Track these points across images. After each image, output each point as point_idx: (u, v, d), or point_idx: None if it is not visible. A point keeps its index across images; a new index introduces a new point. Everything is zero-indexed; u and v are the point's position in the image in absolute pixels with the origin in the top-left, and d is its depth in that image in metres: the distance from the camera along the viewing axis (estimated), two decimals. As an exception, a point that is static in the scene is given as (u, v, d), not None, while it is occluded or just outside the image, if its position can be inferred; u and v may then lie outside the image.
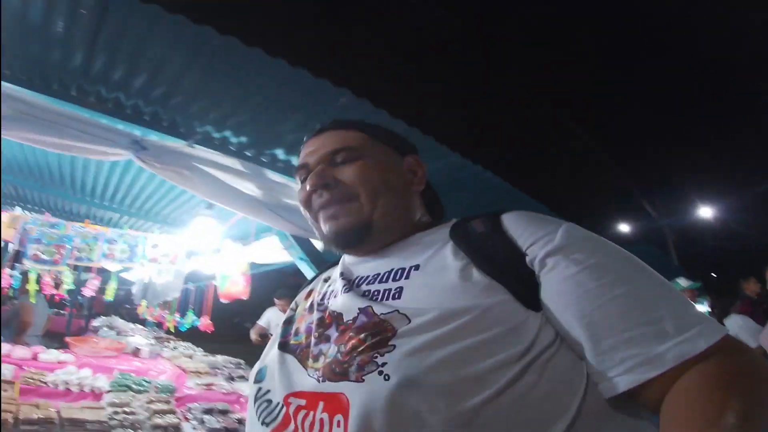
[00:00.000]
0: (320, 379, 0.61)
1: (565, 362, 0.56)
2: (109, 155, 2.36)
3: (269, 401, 0.67)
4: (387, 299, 0.67)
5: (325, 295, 0.79)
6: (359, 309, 0.66)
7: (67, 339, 3.79)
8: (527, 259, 0.63)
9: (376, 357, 0.57)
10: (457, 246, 0.70)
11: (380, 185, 0.78)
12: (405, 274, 0.70)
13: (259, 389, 0.70)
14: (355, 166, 0.78)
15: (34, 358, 3.20)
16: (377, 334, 0.59)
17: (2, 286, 3.59)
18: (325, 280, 0.86)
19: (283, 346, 0.75)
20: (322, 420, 0.56)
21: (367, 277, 0.76)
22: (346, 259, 0.86)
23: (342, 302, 0.71)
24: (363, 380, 0.56)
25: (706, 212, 8.77)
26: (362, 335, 0.60)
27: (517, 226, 0.68)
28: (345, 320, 0.67)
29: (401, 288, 0.67)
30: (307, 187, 0.79)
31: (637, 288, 0.57)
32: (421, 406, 0.52)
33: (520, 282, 0.61)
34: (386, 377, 0.54)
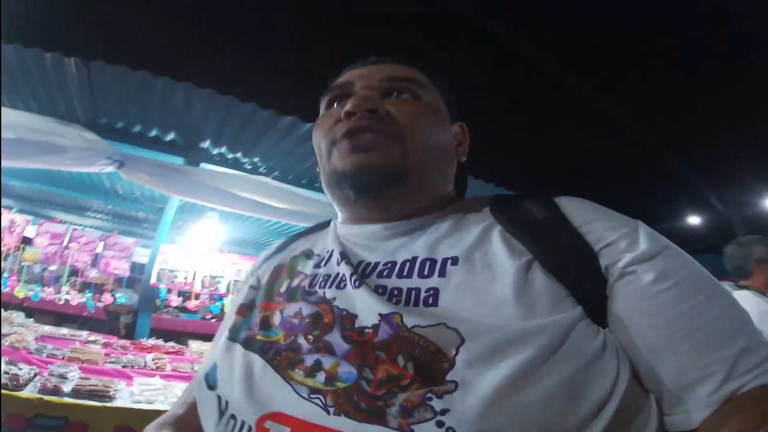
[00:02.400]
0: (329, 409, 0.42)
1: (641, 398, 0.43)
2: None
3: (233, 418, 0.47)
4: (416, 305, 0.47)
5: (314, 279, 0.58)
6: (381, 315, 0.46)
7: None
8: (602, 262, 0.48)
9: (431, 399, 0.39)
10: (510, 233, 0.52)
11: (432, 137, 0.60)
12: (438, 269, 0.51)
13: (219, 399, 0.50)
14: (414, 104, 0.60)
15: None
16: (423, 362, 0.41)
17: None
18: (307, 256, 0.64)
19: (247, 343, 0.53)
20: None
21: (376, 265, 0.55)
22: (342, 231, 0.64)
23: (355, 300, 0.50)
24: (411, 431, 0.38)
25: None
26: (399, 359, 0.42)
27: (584, 217, 0.52)
28: (357, 326, 0.47)
29: (435, 291, 0.48)
30: (347, 107, 0.57)
31: (723, 311, 0.44)
32: None
33: (594, 291, 0.46)
34: None
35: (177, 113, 2.78)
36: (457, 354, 0.41)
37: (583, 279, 0.47)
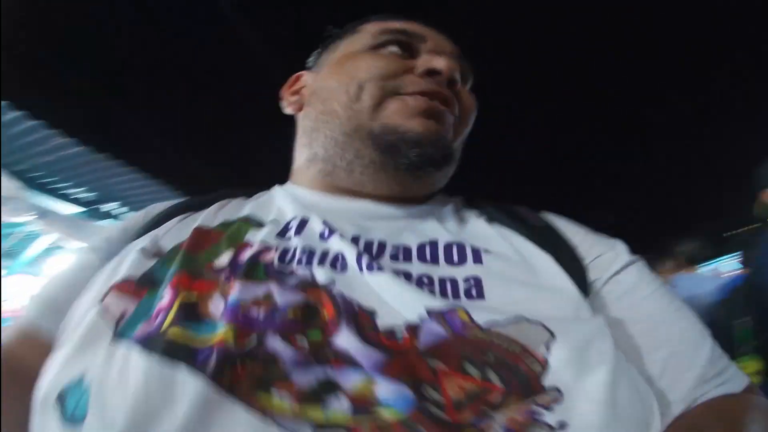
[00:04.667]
0: None
1: None
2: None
3: None
4: (456, 296, 0.39)
5: (286, 252, 0.42)
6: (429, 312, 0.35)
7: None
8: (591, 276, 0.46)
9: (539, 414, 0.30)
10: (518, 233, 0.48)
11: (465, 135, 0.57)
12: (471, 255, 0.43)
13: None
14: (471, 98, 0.56)
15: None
16: (507, 367, 0.32)
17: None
18: (254, 224, 0.48)
19: (151, 344, 0.31)
20: None
21: (382, 245, 0.44)
22: (316, 200, 0.52)
23: (370, 288, 0.38)
24: None
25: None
26: (468, 368, 0.32)
27: (573, 230, 0.51)
28: (382, 326, 0.35)
29: (477, 281, 0.40)
30: (438, 63, 0.49)
31: (691, 320, 0.45)
32: None
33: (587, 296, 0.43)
34: None
35: (95, 179, 3.60)
36: (548, 353, 0.33)
37: (583, 284, 0.44)
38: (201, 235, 0.45)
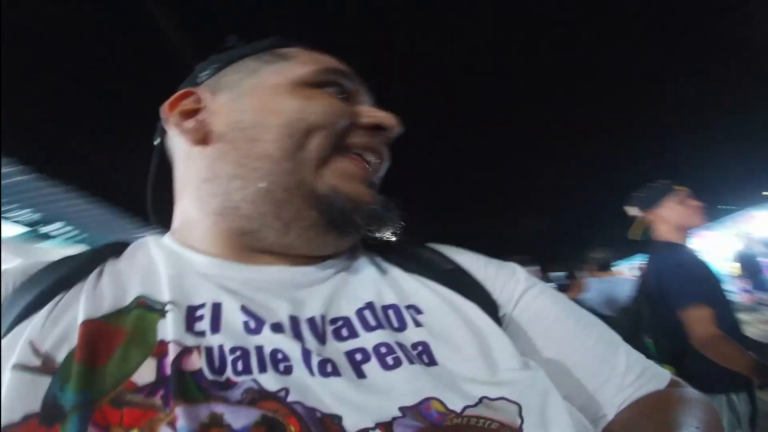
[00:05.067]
0: None
1: None
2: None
3: None
4: (411, 363, 0.38)
5: (211, 355, 0.35)
6: (403, 410, 0.33)
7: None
8: (500, 310, 0.47)
9: None
10: (437, 281, 0.47)
11: None
12: (409, 317, 0.42)
13: None
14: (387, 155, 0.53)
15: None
16: None
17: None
18: (156, 309, 0.38)
19: None
20: None
21: (324, 323, 0.40)
22: (217, 271, 0.43)
23: (327, 391, 0.34)
24: None
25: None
26: None
27: (475, 267, 0.51)
28: (351, 431, 0.31)
29: (425, 346, 0.39)
30: (385, 119, 0.48)
31: (602, 335, 0.48)
32: None
33: None
34: None
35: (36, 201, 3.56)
36: (522, 422, 0.33)
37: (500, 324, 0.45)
38: (95, 335, 0.34)
